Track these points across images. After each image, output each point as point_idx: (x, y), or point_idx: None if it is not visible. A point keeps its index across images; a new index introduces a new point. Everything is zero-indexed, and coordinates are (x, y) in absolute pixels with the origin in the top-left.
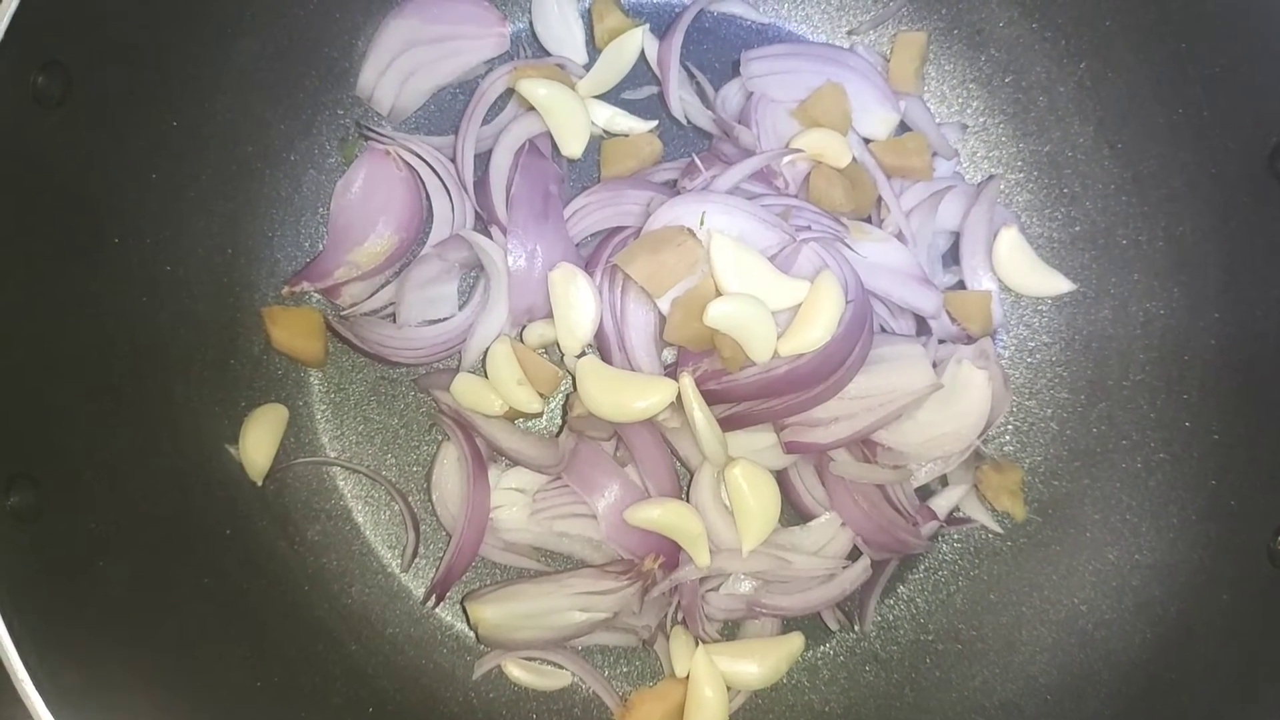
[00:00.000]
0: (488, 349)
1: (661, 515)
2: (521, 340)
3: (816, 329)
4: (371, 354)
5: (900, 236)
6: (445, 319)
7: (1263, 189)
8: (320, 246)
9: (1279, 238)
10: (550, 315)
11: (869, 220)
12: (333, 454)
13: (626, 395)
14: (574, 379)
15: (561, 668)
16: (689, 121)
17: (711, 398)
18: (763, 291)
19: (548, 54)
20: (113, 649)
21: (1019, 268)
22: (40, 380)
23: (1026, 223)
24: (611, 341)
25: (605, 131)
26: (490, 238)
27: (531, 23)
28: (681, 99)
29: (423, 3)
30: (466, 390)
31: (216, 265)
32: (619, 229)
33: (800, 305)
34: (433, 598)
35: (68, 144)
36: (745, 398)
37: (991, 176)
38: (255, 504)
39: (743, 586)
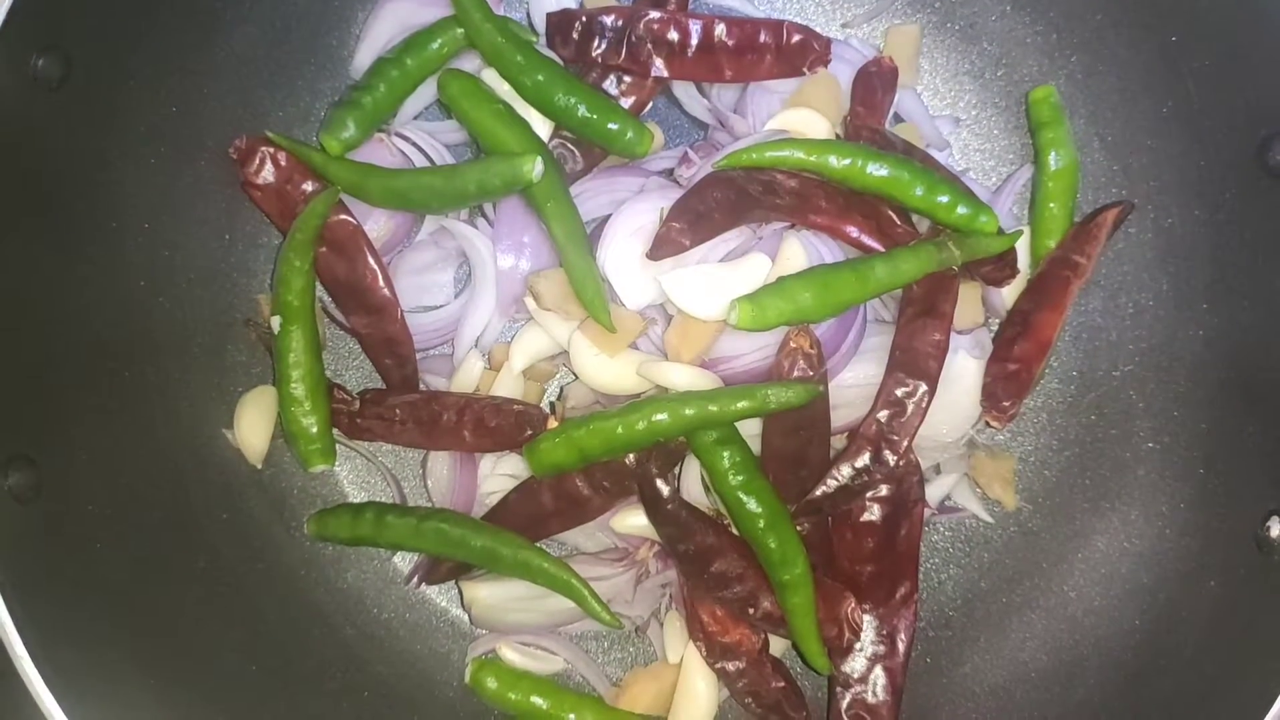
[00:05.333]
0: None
1: (649, 523)
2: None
3: None
4: None
5: None
6: (439, 306)
7: (1251, 181)
8: None
9: (1266, 230)
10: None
11: None
12: None
13: (620, 369)
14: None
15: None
16: (684, 111)
17: None
18: (724, 289)
19: None
20: (110, 630)
21: None
22: (39, 362)
23: (1019, 215)
24: None
25: None
26: (483, 227)
27: (529, 12)
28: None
29: None
30: (465, 382)
31: (214, 250)
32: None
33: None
34: (414, 578)
35: (67, 128)
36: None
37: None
38: (251, 488)
39: None
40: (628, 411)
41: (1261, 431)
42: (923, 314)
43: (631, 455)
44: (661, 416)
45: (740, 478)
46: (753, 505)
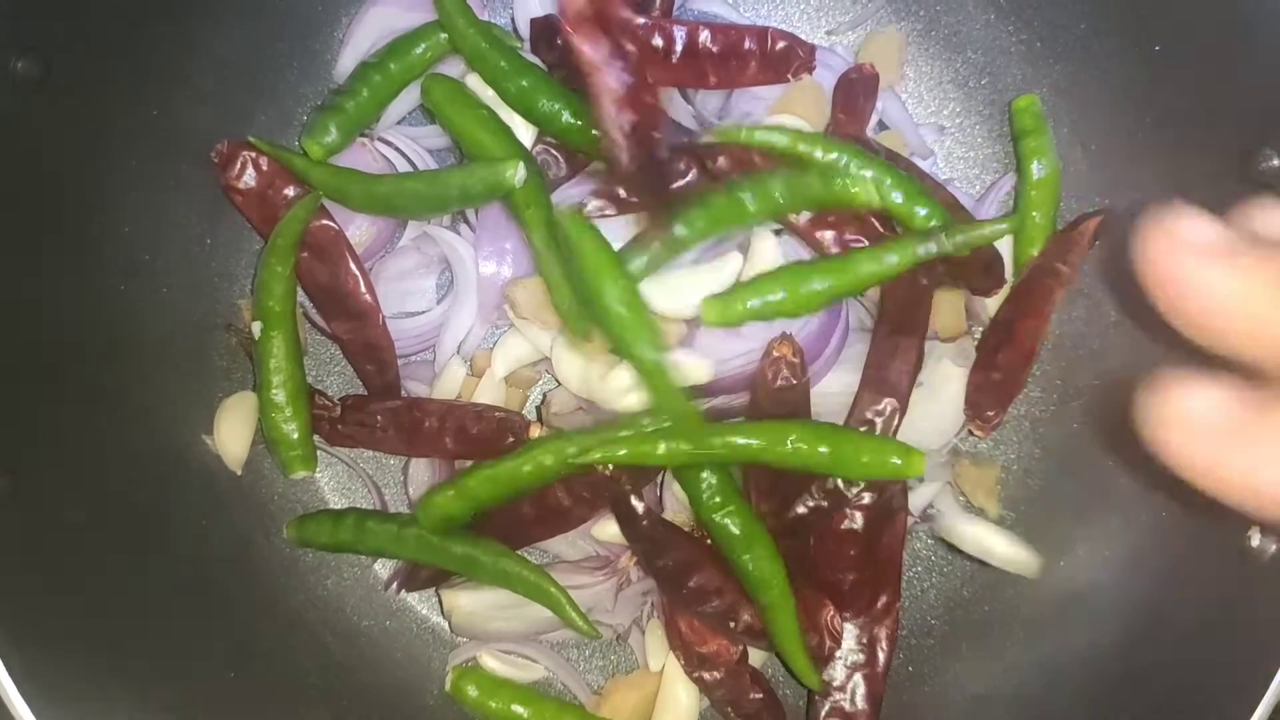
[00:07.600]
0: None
1: None
2: (471, 369)
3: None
4: None
5: None
6: (421, 312)
7: (1233, 191)
8: None
9: None
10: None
11: None
12: None
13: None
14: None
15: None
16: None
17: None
18: (694, 287)
19: None
20: (88, 638)
21: None
22: (15, 368)
23: None
24: None
25: None
26: (466, 233)
27: (514, 17)
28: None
29: None
30: (447, 389)
31: (195, 255)
32: None
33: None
34: (394, 585)
35: (46, 131)
36: (725, 391)
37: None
38: (232, 495)
39: None
40: (515, 456)
41: None
42: (895, 332)
43: (609, 468)
44: (547, 460)
45: (718, 499)
46: (732, 528)
